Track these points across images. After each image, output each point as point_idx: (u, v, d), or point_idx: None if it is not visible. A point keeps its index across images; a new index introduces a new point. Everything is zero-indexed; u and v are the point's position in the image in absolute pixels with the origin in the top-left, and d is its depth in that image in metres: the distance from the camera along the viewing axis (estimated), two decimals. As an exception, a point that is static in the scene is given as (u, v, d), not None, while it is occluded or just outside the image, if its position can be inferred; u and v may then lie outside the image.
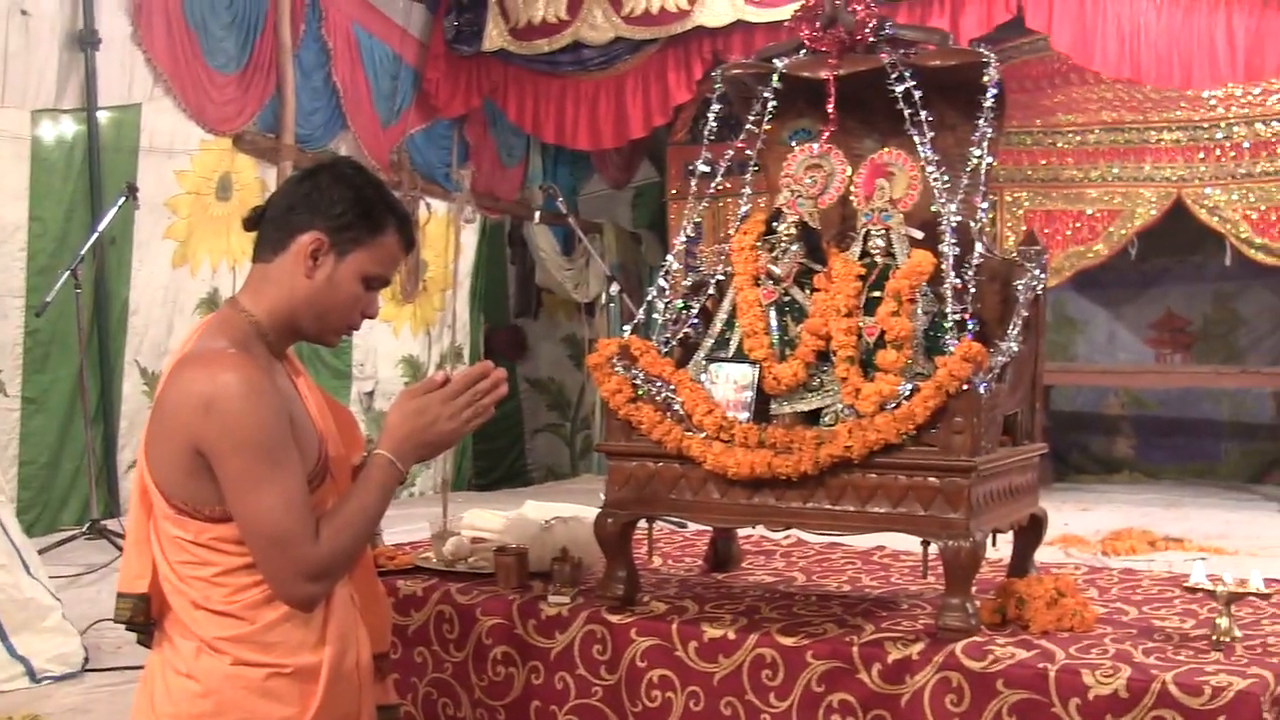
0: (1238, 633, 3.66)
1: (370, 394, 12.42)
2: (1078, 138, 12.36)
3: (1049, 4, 10.41)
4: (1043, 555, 4.70)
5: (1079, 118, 12.35)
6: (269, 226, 3.00)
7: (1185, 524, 9.86)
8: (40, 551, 6.68)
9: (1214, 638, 3.63)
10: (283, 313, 2.98)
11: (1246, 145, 11.69)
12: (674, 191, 14.13)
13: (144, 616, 2.96)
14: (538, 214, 14.06)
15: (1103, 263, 12.49)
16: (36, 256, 9.01)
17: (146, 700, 2.93)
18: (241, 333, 2.93)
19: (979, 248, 4.11)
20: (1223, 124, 11.79)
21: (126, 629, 3.02)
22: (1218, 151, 11.80)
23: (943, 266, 4.04)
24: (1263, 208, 11.62)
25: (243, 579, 2.84)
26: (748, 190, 4.64)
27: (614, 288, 11.01)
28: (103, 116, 9.49)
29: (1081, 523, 9.67)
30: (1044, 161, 12.47)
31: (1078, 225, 12.32)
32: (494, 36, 12.46)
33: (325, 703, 2.88)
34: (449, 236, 13.43)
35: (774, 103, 4.47)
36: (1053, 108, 12.41)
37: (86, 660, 6.18)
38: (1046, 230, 12.19)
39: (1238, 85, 11.31)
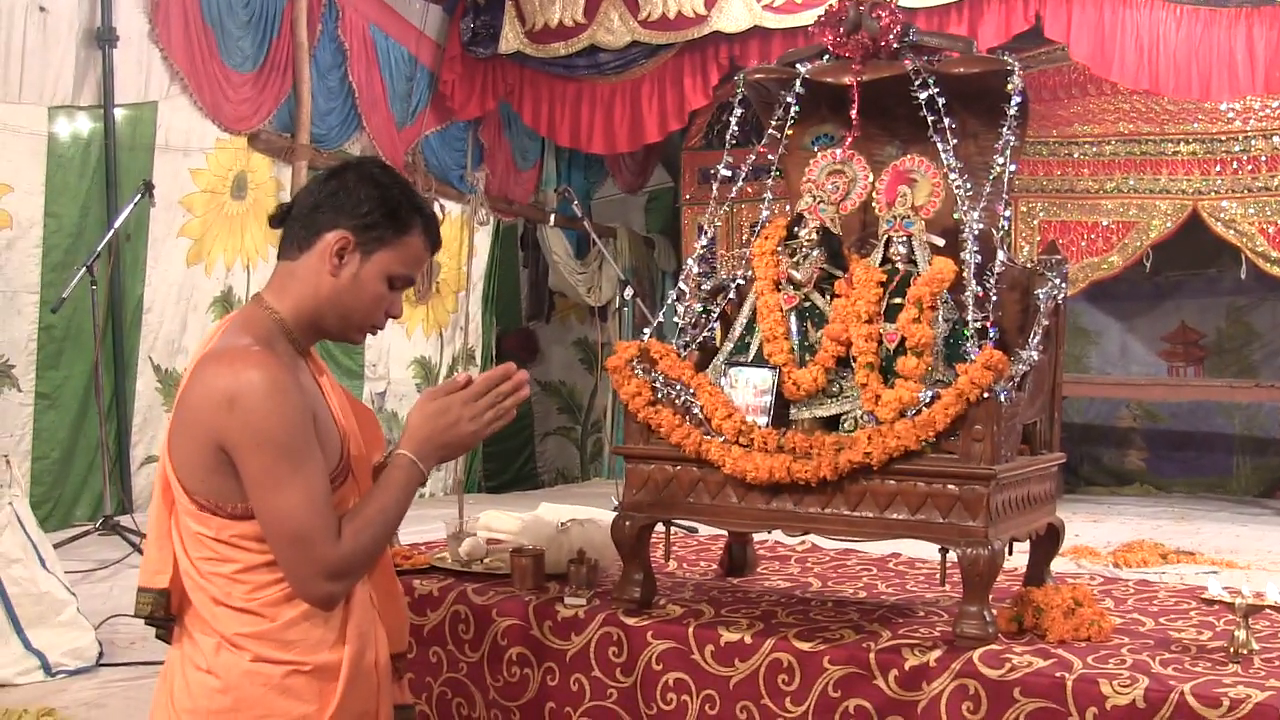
0: (1255, 645, 3.64)
1: (382, 394, 12.42)
2: (1094, 149, 12.36)
3: (1068, 14, 10.40)
4: (1054, 566, 4.69)
5: (1095, 129, 12.35)
6: (295, 224, 3.00)
7: (1196, 537, 9.87)
8: (54, 547, 6.68)
9: (1231, 650, 3.62)
10: (307, 311, 2.98)
11: (1264, 159, 11.67)
12: (687, 197, 14.19)
13: (164, 612, 2.96)
14: (551, 217, 14.08)
15: (1117, 274, 12.50)
16: (51, 253, 9.02)
17: (166, 695, 2.93)
18: (266, 330, 2.93)
19: (1000, 256, 4.11)
20: (1240, 137, 11.79)
21: (146, 624, 3.02)
22: (1234, 165, 11.79)
23: (964, 274, 4.04)
24: (1279, 221, 11.59)
25: (263, 576, 2.84)
26: (768, 195, 4.63)
27: (628, 292, 11.02)
28: (119, 114, 9.50)
29: (1092, 534, 9.67)
30: (1060, 172, 12.48)
31: (1093, 236, 12.33)
32: (510, 39, 12.46)
33: (344, 701, 2.88)
34: (462, 238, 13.45)
35: (796, 108, 4.46)
36: (1069, 118, 12.41)
37: (101, 655, 6.18)
38: (1061, 241, 12.23)
39: (1256, 98, 11.30)
